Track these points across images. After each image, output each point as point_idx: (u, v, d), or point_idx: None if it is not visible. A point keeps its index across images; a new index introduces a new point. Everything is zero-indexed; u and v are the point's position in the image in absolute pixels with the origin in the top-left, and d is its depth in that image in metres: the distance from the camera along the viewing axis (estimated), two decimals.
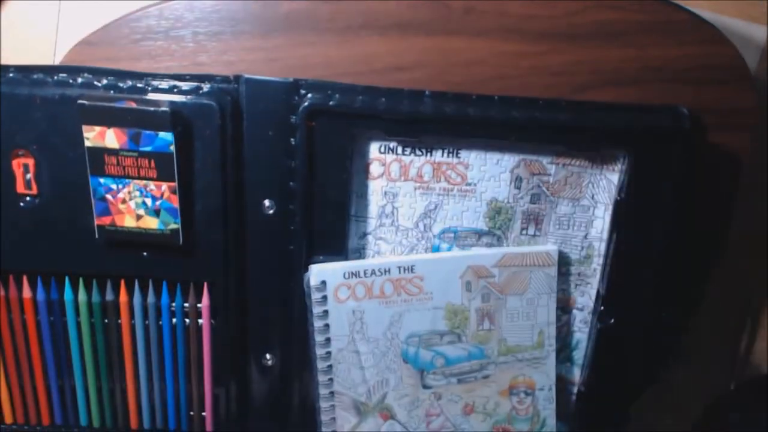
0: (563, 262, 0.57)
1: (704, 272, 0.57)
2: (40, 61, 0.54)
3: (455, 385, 0.57)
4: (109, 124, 0.49)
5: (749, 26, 0.61)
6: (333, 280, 0.53)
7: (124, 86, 0.50)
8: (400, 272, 0.54)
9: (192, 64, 0.52)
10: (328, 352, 0.55)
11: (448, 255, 0.56)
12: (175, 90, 0.50)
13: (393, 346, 0.55)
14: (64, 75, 0.50)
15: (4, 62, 0.51)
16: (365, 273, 0.54)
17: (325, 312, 0.54)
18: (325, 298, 0.54)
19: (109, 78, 0.51)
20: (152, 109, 0.49)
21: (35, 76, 0.50)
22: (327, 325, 0.54)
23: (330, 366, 0.55)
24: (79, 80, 0.50)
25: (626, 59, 0.53)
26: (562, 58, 0.53)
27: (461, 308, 0.55)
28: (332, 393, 0.56)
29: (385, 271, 0.54)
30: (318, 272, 0.53)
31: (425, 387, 0.57)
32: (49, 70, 0.51)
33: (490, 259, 0.55)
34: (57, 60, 0.54)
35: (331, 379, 0.55)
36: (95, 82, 0.50)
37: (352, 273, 0.54)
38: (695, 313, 0.58)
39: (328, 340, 0.54)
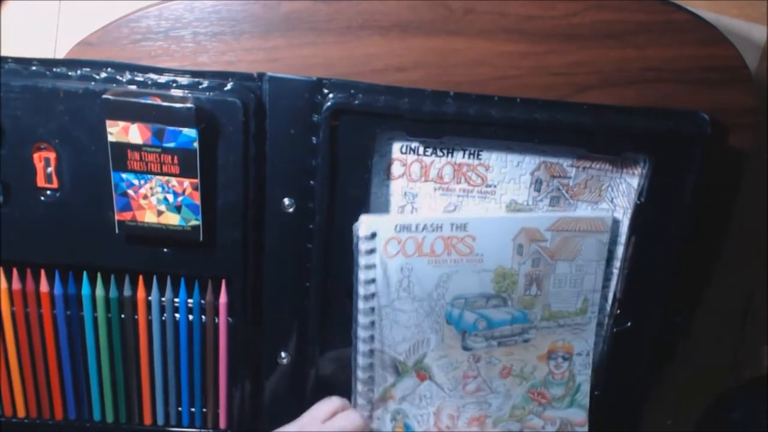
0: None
1: (705, 272, 0.57)
2: None
3: (495, 348, 0.56)
4: (133, 120, 0.49)
5: (749, 26, 0.61)
6: (384, 232, 0.52)
7: (148, 82, 0.50)
8: (452, 230, 0.53)
9: (192, 65, 0.52)
10: (372, 308, 0.54)
11: (502, 216, 0.55)
12: (199, 87, 0.51)
13: (438, 307, 0.54)
14: (87, 69, 0.50)
15: None
16: (417, 227, 0.52)
17: (372, 265, 0.53)
18: (373, 250, 0.52)
19: (133, 73, 0.51)
20: (177, 105, 0.49)
21: (57, 70, 0.50)
22: (373, 279, 0.53)
23: (372, 322, 0.54)
24: (103, 75, 0.50)
25: (626, 59, 0.53)
26: (562, 58, 0.53)
27: (510, 272, 0.55)
28: (372, 350, 0.55)
29: (438, 227, 0.53)
30: (369, 223, 0.52)
31: (465, 349, 0.56)
32: (73, 64, 0.51)
33: (543, 222, 0.54)
34: None
35: (372, 336, 0.54)
36: (118, 77, 0.50)
37: (404, 227, 0.52)
38: (696, 313, 0.58)
39: (372, 295, 0.53)
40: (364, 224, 0.52)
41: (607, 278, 0.57)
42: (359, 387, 0.56)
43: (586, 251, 0.55)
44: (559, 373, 0.58)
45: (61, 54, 0.53)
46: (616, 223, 0.56)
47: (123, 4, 0.53)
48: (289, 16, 0.52)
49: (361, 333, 0.54)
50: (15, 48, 0.57)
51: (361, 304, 0.53)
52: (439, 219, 0.53)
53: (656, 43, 0.53)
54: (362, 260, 0.52)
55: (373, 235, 0.52)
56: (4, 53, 0.56)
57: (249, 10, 0.52)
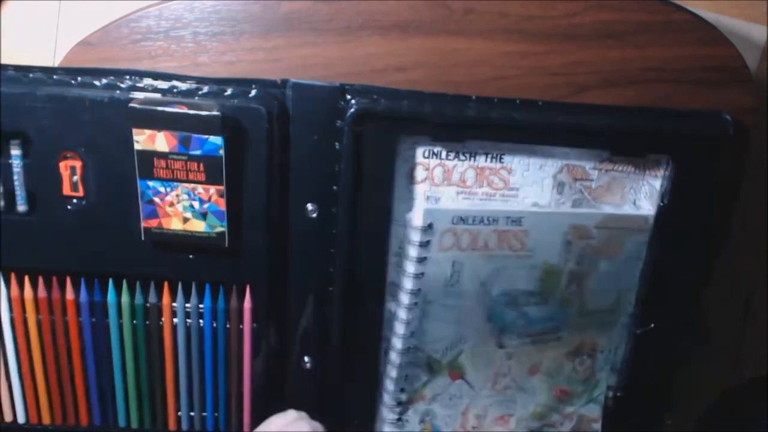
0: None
1: (705, 272, 0.57)
2: (40, 61, 0.53)
3: (528, 346, 0.56)
4: (159, 128, 0.49)
5: (749, 26, 0.61)
6: (441, 223, 0.50)
7: (173, 90, 0.51)
8: (507, 223, 0.52)
9: (192, 65, 0.52)
10: (415, 303, 0.52)
11: (553, 210, 0.54)
12: (224, 94, 0.51)
13: (482, 304, 0.53)
14: (112, 78, 0.51)
15: (4, 62, 0.51)
16: (473, 220, 0.51)
17: (424, 258, 0.51)
18: (428, 243, 0.50)
19: (156, 81, 0.51)
20: (204, 113, 0.49)
21: (82, 79, 0.51)
22: (422, 274, 0.51)
23: (414, 317, 0.52)
24: (126, 83, 0.51)
25: (626, 59, 0.53)
26: (562, 58, 0.53)
27: (557, 268, 0.54)
28: (409, 348, 0.53)
29: (493, 220, 0.51)
30: (426, 212, 0.50)
31: (500, 346, 0.55)
32: (97, 72, 0.51)
33: (591, 219, 0.54)
34: (57, 60, 0.54)
35: (412, 333, 0.53)
36: (141, 85, 0.51)
37: (461, 218, 0.50)
38: (696, 313, 0.58)
39: (419, 290, 0.52)
40: (421, 214, 0.50)
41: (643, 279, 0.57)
42: (389, 386, 0.55)
43: (627, 249, 0.55)
44: (582, 370, 0.58)
45: (61, 54, 0.53)
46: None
47: (123, 4, 0.53)
48: (289, 16, 0.52)
49: (399, 329, 0.52)
50: (15, 48, 0.57)
51: (405, 299, 0.52)
52: (494, 212, 0.52)
53: (656, 43, 0.53)
54: (413, 252, 0.50)
55: (430, 227, 0.50)
56: (4, 54, 0.56)
57: (249, 10, 0.52)
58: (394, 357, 0.54)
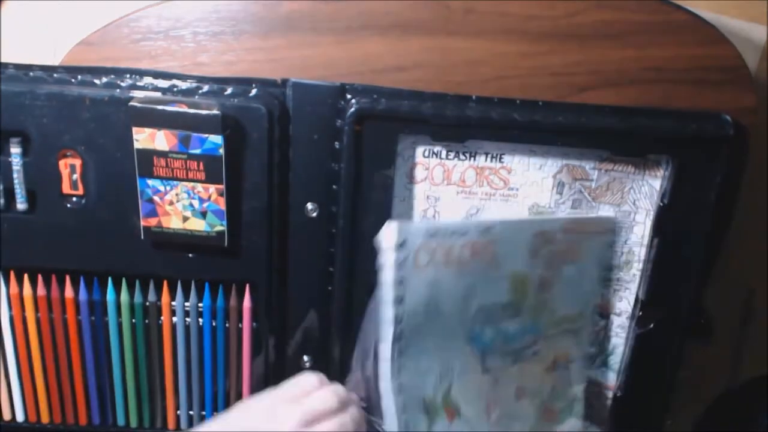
0: (604, 266, 0.57)
1: (705, 272, 0.57)
2: (40, 61, 0.53)
3: (510, 366, 0.54)
4: (159, 127, 0.49)
5: (749, 26, 0.61)
6: (414, 239, 0.44)
7: (173, 89, 0.51)
8: (477, 235, 0.48)
9: (192, 64, 0.52)
10: (401, 332, 0.45)
11: (519, 219, 0.54)
12: (224, 93, 0.51)
13: (460, 323, 0.49)
14: (112, 76, 0.51)
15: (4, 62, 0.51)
16: (445, 233, 0.46)
17: (402, 280, 0.44)
18: (404, 262, 0.44)
19: (156, 80, 0.51)
20: (204, 112, 0.49)
21: (82, 78, 0.51)
22: (401, 298, 0.44)
23: (401, 351, 0.45)
24: (126, 82, 0.51)
25: (626, 59, 0.53)
26: (562, 58, 0.53)
27: (524, 276, 0.52)
28: (401, 385, 0.46)
29: (464, 232, 0.47)
30: (399, 229, 0.44)
31: (484, 371, 0.51)
32: (97, 71, 0.51)
33: (555, 224, 0.53)
34: (57, 60, 0.54)
35: (400, 368, 0.45)
36: (141, 84, 0.51)
37: (436, 232, 0.45)
38: (696, 312, 0.58)
39: (401, 319, 0.45)
40: (392, 231, 0.44)
41: (626, 281, 0.57)
42: None
43: (592, 252, 0.55)
44: (560, 384, 0.57)
45: (61, 54, 0.53)
46: (638, 225, 0.56)
47: (123, 4, 0.53)
48: (290, 16, 0.52)
49: (384, 367, 0.45)
50: (15, 48, 0.57)
51: (386, 330, 0.45)
52: (465, 224, 0.49)
53: (656, 43, 0.53)
54: (389, 275, 0.44)
55: (404, 244, 0.44)
56: (4, 54, 0.56)
57: (249, 10, 0.52)
58: (384, 401, 0.46)
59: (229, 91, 0.51)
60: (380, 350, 0.46)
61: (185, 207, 0.51)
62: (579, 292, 0.55)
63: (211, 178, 0.50)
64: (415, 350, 0.47)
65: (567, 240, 0.54)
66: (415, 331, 0.46)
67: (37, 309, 0.55)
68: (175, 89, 0.51)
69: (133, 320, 0.56)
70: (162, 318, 0.56)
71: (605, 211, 0.56)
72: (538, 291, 0.54)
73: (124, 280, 0.55)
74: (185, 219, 0.52)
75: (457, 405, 0.51)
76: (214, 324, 0.56)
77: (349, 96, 0.51)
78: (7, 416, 0.58)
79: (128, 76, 0.51)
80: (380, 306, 0.45)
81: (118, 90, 0.50)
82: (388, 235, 0.44)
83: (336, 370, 0.57)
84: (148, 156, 0.50)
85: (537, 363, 0.55)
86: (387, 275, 0.44)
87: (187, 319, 0.56)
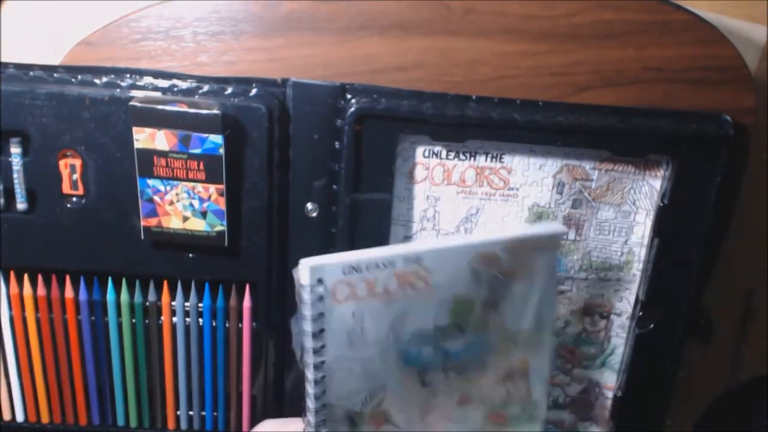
0: (602, 267, 0.57)
1: (705, 272, 0.57)
2: (40, 61, 0.54)
3: (454, 379, 0.53)
4: (159, 126, 0.49)
5: (749, 26, 0.61)
6: (330, 277, 0.46)
7: (173, 88, 0.51)
8: (405, 264, 0.48)
9: (192, 64, 0.53)
10: (322, 362, 0.48)
11: (456, 243, 0.51)
12: (224, 93, 0.51)
13: (393, 349, 0.50)
14: (113, 76, 0.51)
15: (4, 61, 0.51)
16: (367, 267, 0.47)
17: (321, 315, 0.47)
18: (321, 298, 0.47)
19: (156, 79, 0.51)
20: (204, 112, 0.49)
21: (82, 77, 0.51)
22: (322, 331, 0.48)
23: (323, 377, 0.49)
24: (126, 82, 0.51)
25: (626, 59, 0.53)
26: (562, 58, 0.53)
27: (467, 299, 0.51)
28: (324, 405, 0.50)
29: (389, 263, 0.48)
30: (312, 269, 0.46)
31: (425, 385, 0.53)
32: (97, 71, 0.51)
33: (496, 245, 0.51)
34: (57, 60, 0.54)
35: (324, 391, 0.49)
36: (141, 83, 0.51)
37: (353, 268, 0.47)
38: (696, 312, 0.58)
39: (322, 347, 0.48)
40: (306, 270, 0.46)
41: (626, 281, 0.57)
42: None
43: (540, 267, 0.53)
44: (517, 393, 0.56)
45: (61, 54, 0.53)
46: (638, 225, 0.56)
47: (123, 4, 0.53)
48: (290, 16, 0.52)
49: (311, 389, 0.49)
50: (15, 48, 0.57)
51: (309, 359, 0.48)
52: (391, 255, 0.48)
53: (656, 43, 0.53)
54: (308, 311, 0.46)
55: (320, 282, 0.46)
56: (4, 54, 0.56)
57: (249, 10, 0.52)
58: (309, 417, 0.50)
59: (229, 90, 0.51)
60: (306, 375, 0.48)
61: (185, 207, 0.51)
62: (532, 306, 0.53)
63: (211, 178, 0.50)
64: (342, 375, 0.49)
65: (513, 258, 0.51)
66: (339, 359, 0.48)
67: (37, 309, 0.55)
68: (175, 89, 0.51)
69: (133, 320, 0.56)
70: (162, 318, 0.56)
71: (605, 212, 0.56)
72: (483, 312, 0.52)
73: (124, 280, 0.55)
74: (185, 219, 0.52)
75: (388, 414, 0.51)
76: (214, 324, 0.56)
77: (349, 96, 0.51)
78: (7, 416, 0.58)
79: (128, 75, 0.51)
80: (302, 334, 0.48)
81: (118, 90, 0.50)
82: (302, 275, 0.46)
83: None
84: (148, 156, 0.50)
85: (487, 375, 0.54)
86: (305, 310, 0.46)
87: (187, 319, 0.56)
